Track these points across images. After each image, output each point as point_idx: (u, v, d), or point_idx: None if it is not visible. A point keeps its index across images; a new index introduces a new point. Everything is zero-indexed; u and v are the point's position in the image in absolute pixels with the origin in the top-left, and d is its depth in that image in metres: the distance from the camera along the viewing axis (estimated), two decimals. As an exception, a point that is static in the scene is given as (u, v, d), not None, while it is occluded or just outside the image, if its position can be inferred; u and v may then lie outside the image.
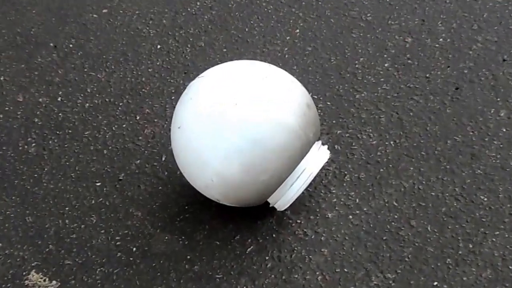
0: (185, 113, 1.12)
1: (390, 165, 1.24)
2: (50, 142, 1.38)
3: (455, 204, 1.16)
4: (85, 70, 1.54)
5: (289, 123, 1.07)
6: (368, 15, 1.57)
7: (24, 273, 1.16)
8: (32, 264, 1.17)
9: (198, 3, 1.67)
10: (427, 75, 1.40)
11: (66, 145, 1.37)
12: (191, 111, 1.11)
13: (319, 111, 1.31)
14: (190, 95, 1.12)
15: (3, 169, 1.34)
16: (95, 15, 1.69)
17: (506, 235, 1.11)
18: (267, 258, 1.14)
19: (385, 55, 1.46)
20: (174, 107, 1.16)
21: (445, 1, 1.57)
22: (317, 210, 1.19)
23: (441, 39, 1.47)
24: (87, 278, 1.14)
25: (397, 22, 1.54)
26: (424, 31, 1.50)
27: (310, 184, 1.19)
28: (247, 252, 1.15)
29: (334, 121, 1.34)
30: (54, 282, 1.14)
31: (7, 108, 1.47)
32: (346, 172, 1.25)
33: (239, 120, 1.05)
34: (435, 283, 1.06)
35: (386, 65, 1.44)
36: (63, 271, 1.16)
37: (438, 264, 1.09)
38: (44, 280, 1.14)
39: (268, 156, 1.07)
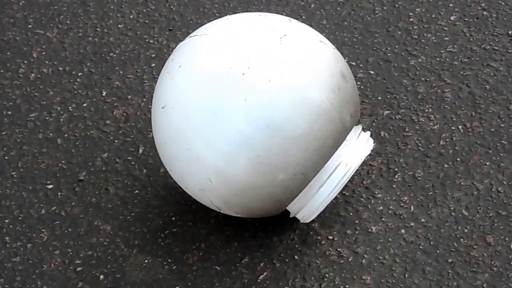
0: (171, 88, 1.11)
1: (458, 159, 1.24)
2: None
3: None
4: (29, 27, 1.54)
5: (317, 101, 1.06)
6: None
7: None
8: None
9: None
10: (510, 33, 1.40)
11: (3, 133, 1.37)
12: (180, 84, 1.09)
13: (358, 83, 1.32)
14: (179, 61, 1.11)
15: None
16: None
17: None
18: (288, 284, 1.14)
19: (450, 4, 1.46)
20: (156, 78, 1.16)
21: None
22: (357, 222, 1.19)
23: None
24: None
25: None
26: None
27: (347, 185, 1.20)
28: (259, 280, 1.15)
29: (380, 98, 1.34)
30: None
31: None
32: (396, 169, 1.25)
33: (248, 97, 1.04)
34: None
35: (452, 18, 1.44)
36: None
37: None
38: None
39: (288, 147, 1.05)
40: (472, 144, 1.25)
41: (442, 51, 1.38)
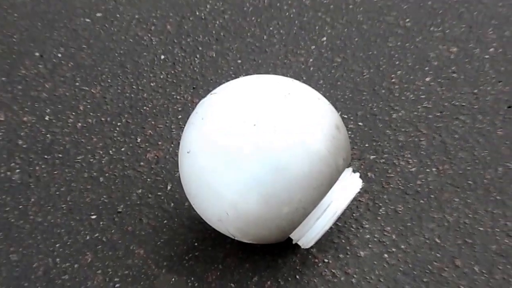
0: (195, 136, 1.11)
1: (432, 196, 1.24)
2: (37, 168, 1.38)
3: (506, 241, 1.16)
4: (77, 84, 1.54)
5: (316, 148, 1.07)
6: (407, 20, 1.57)
7: None
8: None
9: (208, 6, 1.68)
10: (475, 91, 1.40)
11: (55, 172, 1.37)
12: (202, 133, 1.10)
13: (349, 133, 1.33)
14: (201, 114, 1.12)
15: None
16: (87, 20, 1.69)
17: None
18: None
19: (426, 68, 1.46)
20: (182, 128, 1.16)
21: (496, 5, 1.56)
22: (348, 247, 1.20)
23: (491, 49, 1.47)
24: None
25: (441, 29, 1.53)
26: (472, 39, 1.50)
27: (340, 218, 1.20)
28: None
29: (367, 145, 1.34)
30: None
31: None
32: (381, 204, 1.25)
33: (259, 145, 1.04)
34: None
35: (427, 79, 1.44)
36: None
37: None
38: None
39: (292, 186, 1.05)
40: (444, 184, 1.25)
41: (419, 107, 1.39)
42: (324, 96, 1.15)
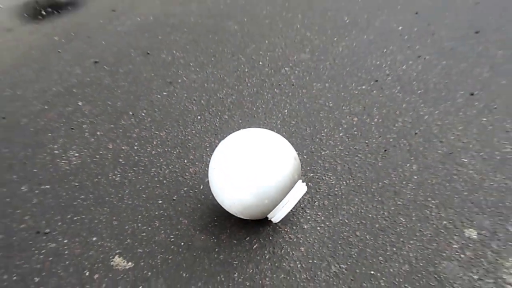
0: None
1: (343, 197, 1.24)
2: (129, 174, 1.38)
3: (384, 222, 1.17)
4: (152, 129, 1.54)
5: (286, 170, 1.08)
6: (330, 102, 1.56)
7: (110, 257, 1.15)
8: (116, 251, 1.16)
9: (224, 91, 1.66)
10: (366, 141, 1.39)
11: (139, 177, 1.37)
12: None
13: (300, 161, 1.30)
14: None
15: (98, 191, 1.33)
16: (158, 96, 1.68)
17: (418, 243, 1.11)
18: (266, 251, 1.14)
19: (340, 128, 1.46)
20: (209, 156, 1.15)
21: (379, 95, 1.55)
22: (298, 223, 1.19)
23: (375, 120, 1.47)
24: (152, 261, 1.14)
25: (348, 108, 1.53)
26: (365, 113, 1.50)
27: (294, 206, 1.20)
28: (253, 248, 1.15)
29: (308, 168, 1.33)
30: (130, 263, 1.13)
31: (101, 152, 1.46)
32: (315, 200, 1.24)
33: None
34: (372, 272, 1.06)
35: (341, 134, 1.43)
36: (136, 256, 1.15)
37: (374, 260, 1.09)
38: (123, 262, 1.14)
39: (271, 189, 1.06)
40: (350, 190, 1.24)
41: (336, 149, 1.36)
42: (288, 141, 1.14)
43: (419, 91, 1.54)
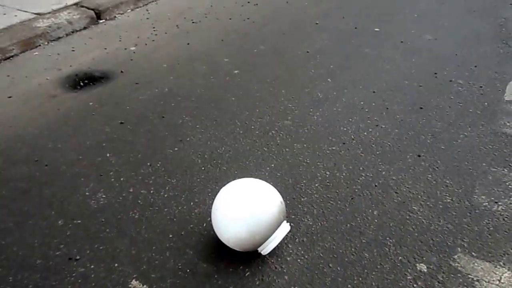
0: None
1: (319, 235, 1.23)
2: (146, 213, 1.35)
3: (352, 257, 1.14)
4: (165, 177, 1.49)
5: (273, 212, 1.09)
6: (307, 159, 1.53)
7: (128, 280, 1.12)
8: (133, 276, 1.14)
9: (223, 148, 1.64)
10: (337, 191, 1.38)
11: (154, 215, 1.35)
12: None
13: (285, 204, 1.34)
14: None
15: (120, 225, 1.30)
16: (170, 150, 1.64)
17: (379, 275, 1.08)
18: (256, 279, 1.14)
19: (315, 180, 1.43)
20: (212, 199, 1.15)
21: (346, 155, 1.54)
22: (282, 255, 1.19)
23: (344, 174, 1.45)
24: (163, 284, 1.12)
25: (322, 164, 1.50)
26: (335, 168, 1.48)
27: (280, 242, 1.17)
28: (245, 275, 1.14)
29: (291, 211, 1.33)
30: (145, 286, 1.12)
31: (123, 194, 1.43)
32: (296, 237, 1.24)
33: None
34: None
35: (316, 185, 1.42)
36: (150, 280, 1.12)
37: (344, 287, 1.07)
38: (140, 285, 1.12)
39: (261, 228, 1.08)
40: (323, 231, 1.23)
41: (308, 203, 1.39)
42: (274, 187, 1.17)
43: (377, 152, 1.58)
